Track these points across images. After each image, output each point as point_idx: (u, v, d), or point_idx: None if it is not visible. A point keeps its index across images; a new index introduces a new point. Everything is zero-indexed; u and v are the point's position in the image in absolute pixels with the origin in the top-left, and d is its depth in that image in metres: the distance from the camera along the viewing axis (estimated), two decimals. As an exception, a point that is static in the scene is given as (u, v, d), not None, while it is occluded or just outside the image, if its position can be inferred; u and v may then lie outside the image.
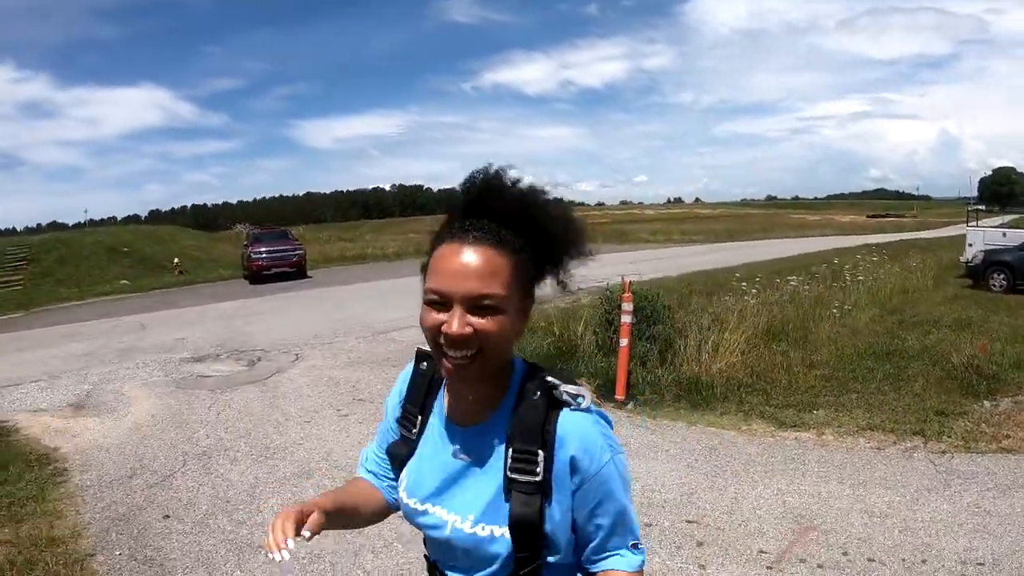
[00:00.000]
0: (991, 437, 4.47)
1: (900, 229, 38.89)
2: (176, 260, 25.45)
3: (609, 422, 1.06)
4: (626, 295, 5.68)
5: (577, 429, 1.00)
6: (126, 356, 8.56)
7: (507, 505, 1.02)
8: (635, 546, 1.07)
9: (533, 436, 1.00)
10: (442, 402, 1.15)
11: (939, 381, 5.65)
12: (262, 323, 10.90)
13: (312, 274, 20.16)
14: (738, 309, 7.53)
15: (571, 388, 1.03)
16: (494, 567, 1.05)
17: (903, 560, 2.99)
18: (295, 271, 19.34)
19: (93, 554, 3.26)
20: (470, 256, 0.97)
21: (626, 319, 5.54)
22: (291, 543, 0.95)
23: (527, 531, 1.01)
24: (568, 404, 1.01)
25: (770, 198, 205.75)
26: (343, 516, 1.14)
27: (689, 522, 3.44)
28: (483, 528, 1.03)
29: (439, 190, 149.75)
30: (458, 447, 1.09)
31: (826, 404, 5.27)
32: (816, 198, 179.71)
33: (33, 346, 10.12)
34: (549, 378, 1.04)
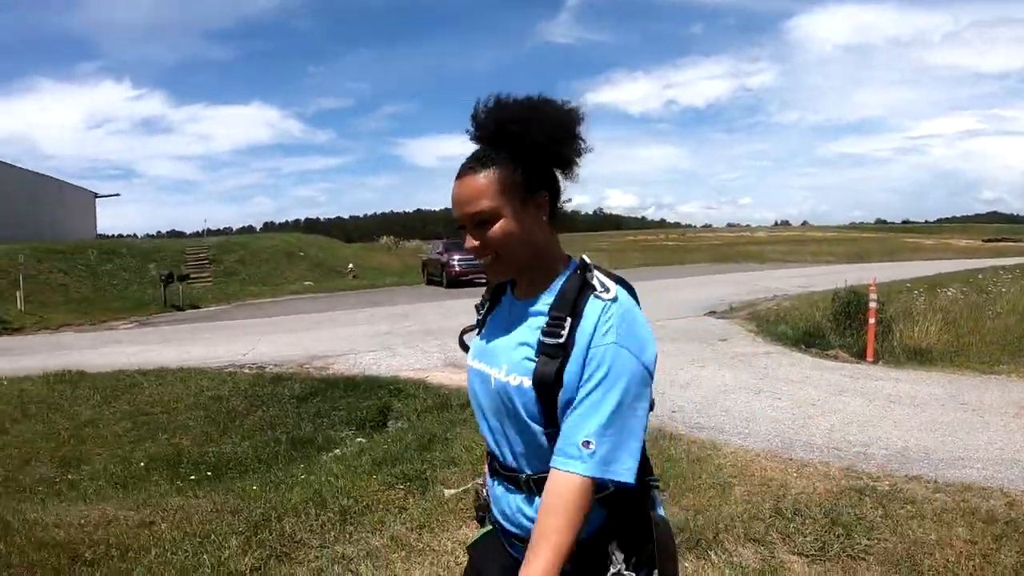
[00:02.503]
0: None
1: (1022, 254, 38.53)
2: (351, 265, 27.47)
3: (641, 326, 1.18)
4: (872, 287, 9.07)
5: (595, 309, 1.16)
6: (423, 336, 10.90)
7: (536, 362, 1.18)
8: (586, 444, 1.11)
9: (565, 306, 1.18)
10: (510, 292, 1.37)
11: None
12: None
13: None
14: (930, 303, 10.75)
15: (603, 277, 1.21)
16: (529, 423, 1.21)
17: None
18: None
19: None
20: (458, 188, 1.22)
21: (872, 304, 8.87)
22: None
23: (546, 386, 1.16)
24: (594, 289, 1.18)
25: (880, 221, 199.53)
26: None
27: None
28: (514, 378, 1.21)
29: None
30: (513, 316, 1.29)
31: (1006, 361, 8.35)
32: (927, 221, 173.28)
33: (314, 327, 12.76)
34: (590, 265, 1.25)
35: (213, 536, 3.40)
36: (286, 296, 21.13)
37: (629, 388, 1.12)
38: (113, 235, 42.65)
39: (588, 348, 1.13)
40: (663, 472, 4.04)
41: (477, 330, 1.42)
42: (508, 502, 1.30)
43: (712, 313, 12.19)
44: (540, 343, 1.17)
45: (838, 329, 9.94)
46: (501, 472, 1.30)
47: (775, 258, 32.68)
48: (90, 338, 13.35)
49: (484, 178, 1.19)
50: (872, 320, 8.84)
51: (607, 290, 1.17)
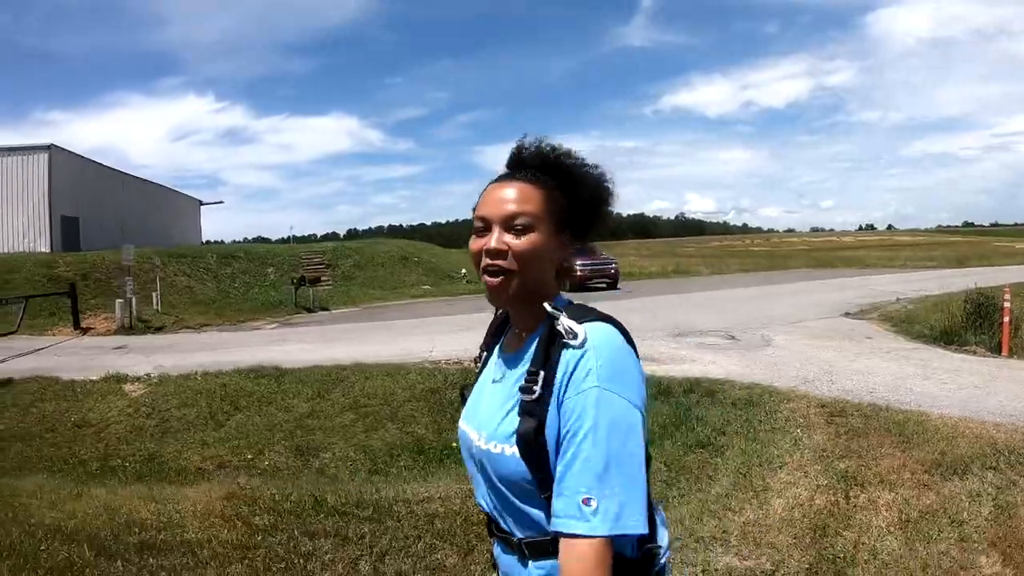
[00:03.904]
0: None
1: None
2: (463, 270, 27.75)
3: (626, 367, 1.10)
4: (1007, 289, 10.09)
5: (571, 357, 1.09)
6: (676, 329, 11.83)
7: (515, 424, 1.11)
8: (587, 502, 1.01)
9: (538, 358, 1.12)
10: (502, 341, 1.32)
11: None
12: (669, 315, 13.94)
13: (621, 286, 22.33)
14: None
15: (568, 323, 1.12)
16: (520, 488, 1.13)
17: None
18: (611, 282, 22.11)
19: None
20: (506, 187, 1.20)
21: (1007, 304, 9.85)
22: None
23: (530, 448, 1.09)
24: (561, 336, 1.11)
25: (967, 224, 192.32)
26: None
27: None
28: (495, 446, 1.15)
29: (627, 215, 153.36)
30: (498, 371, 1.25)
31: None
32: (1017, 224, 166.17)
33: (477, 325, 14.11)
34: (555, 312, 1.14)
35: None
36: (406, 300, 21.65)
37: (620, 432, 1.03)
38: (211, 241, 45.01)
39: (563, 399, 1.08)
40: (904, 429, 5.35)
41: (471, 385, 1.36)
42: (506, 563, 1.24)
43: (847, 315, 13.20)
44: (520, 402, 1.12)
45: (972, 328, 10.91)
46: (496, 533, 1.24)
47: (874, 263, 32.87)
48: (244, 336, 14.17)
49: (534, 189, 1.19)
50: (1007, 318, 9.83)
51: (574, 336, 1.10)
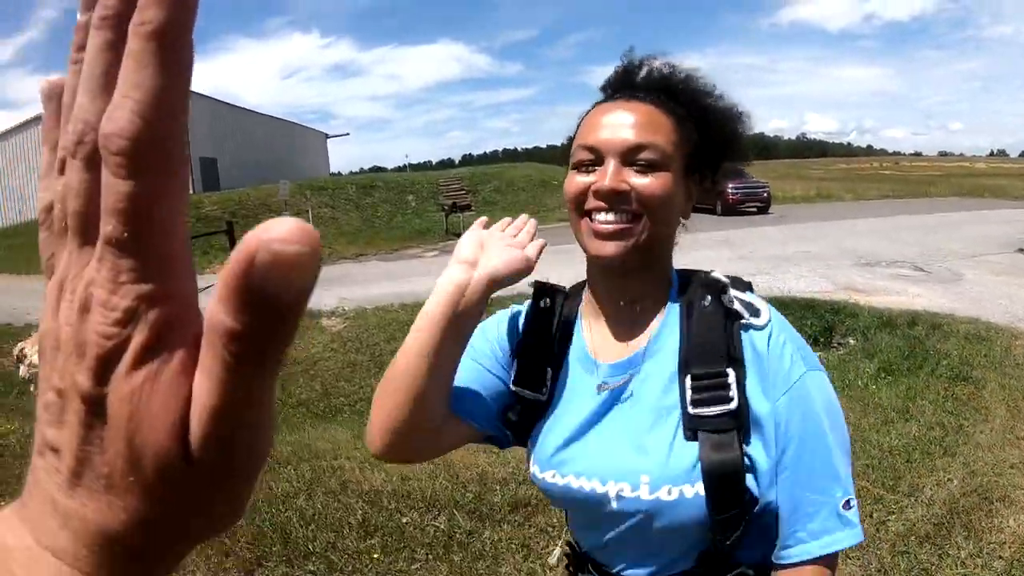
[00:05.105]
0: None
1: None
2: None
3: (796, 333, 0.90)
4: None
5: (762, 343, 0.85)
6: (780, 262, 11.46)
7: (695, 452, 0.81)
8: (847, 504, 0.82)
9: (716, 354, 0.84)
10: (582, 341, 0.96)
11: None
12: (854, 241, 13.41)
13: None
14: None
15: (743, 296, 0.88)
16: (683, 544, 0.86)
17: None
18: (763, 206, 20.86)
19: None
20: (626, 111, 0.89)
21: None
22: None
23: (727, 483, 0.80)
24: (740, 317, 0.86)
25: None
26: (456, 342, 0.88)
27: None
28: (668, 492, 0.82)
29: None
30: (612, 391, 0.90)
31: None
32: None
33: (775, 244, 13.33)
34: (721, 282, 0.88)
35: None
36: (554, 223, 21.68)
37: (836, 412, 0.87)
38: (336, 173, 45.98)
39: (776, 398, 0.83)
40: None
41: (534, 418, 0.97)
42: None
43: (1022, 251, 13.17)
44: (692, 417, 0.83)
45: None
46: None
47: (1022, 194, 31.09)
48: (410, 265, 13.83)
49: (664, 117, 0.90)
50: None
51: (757, 313, 0.87)
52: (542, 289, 1.02)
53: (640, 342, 0.92)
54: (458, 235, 15.39)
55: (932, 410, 4.74)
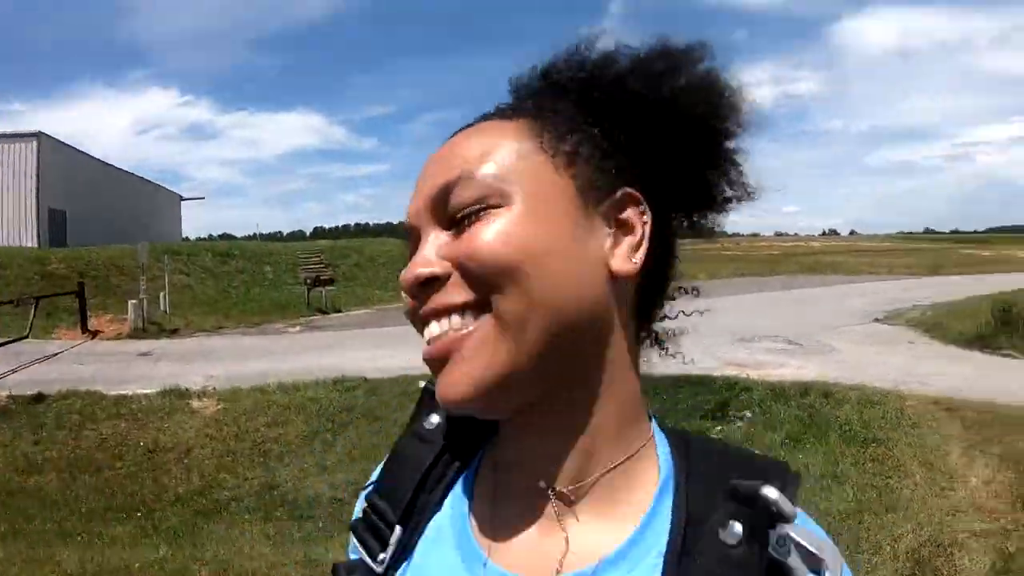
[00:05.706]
0: None
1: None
2: None
3: None
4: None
5: None
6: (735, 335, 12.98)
7: None
8: None
9: None
10: (467, 508, 0.54)
11: None
12: None
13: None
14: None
15: (807, 530, 0.45)
16: None
17: None
18: None
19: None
20: (443, 146, 0.54)
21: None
22: None
23: None
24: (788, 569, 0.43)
25: (928, 230, 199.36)
26: None
27: None
28: None
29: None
30: None
31: None
32: (976, 231, 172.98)
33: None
34: (764, 491, 0.44)
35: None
36: None
37: None
38: (186, 238, 43.03)
39: None
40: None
41: None
42: None
43: (877, 320, 14.04)
44: None
45: (1004, 332, 11.84)
46: None
47: (860, 270, 33.62)
48: (276, 342, 13.25)
49: (502, 122, 0.53)
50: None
51: (818, 558, 0.44)
52: (432, 392, 0.54)
53: (573, 563, 0.48)
54: (322, 311, 13.93)
55: (857, 473, 4.97)
